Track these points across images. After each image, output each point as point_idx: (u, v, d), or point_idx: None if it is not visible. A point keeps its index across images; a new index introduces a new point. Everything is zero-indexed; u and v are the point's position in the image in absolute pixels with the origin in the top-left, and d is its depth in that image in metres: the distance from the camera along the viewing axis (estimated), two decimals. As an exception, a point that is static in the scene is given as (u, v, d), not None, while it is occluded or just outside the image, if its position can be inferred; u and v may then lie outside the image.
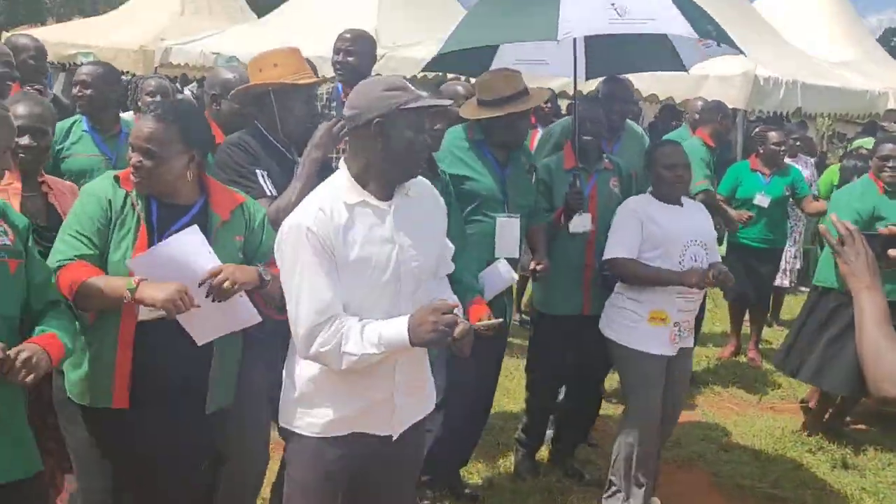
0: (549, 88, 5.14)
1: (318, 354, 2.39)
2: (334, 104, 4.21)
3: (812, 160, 8.06)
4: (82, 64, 4.40)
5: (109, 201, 2.65)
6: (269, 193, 3.13)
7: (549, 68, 4.66)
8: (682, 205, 4.07)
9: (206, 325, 2.67)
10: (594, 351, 4.24)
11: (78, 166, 4.00)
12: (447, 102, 2.91)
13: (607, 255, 4.02)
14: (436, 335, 2.30)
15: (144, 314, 2.59)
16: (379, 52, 10.27)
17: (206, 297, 2.57)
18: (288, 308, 2.42)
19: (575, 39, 4.41)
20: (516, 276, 3.92)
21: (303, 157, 3.17)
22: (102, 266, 2.63)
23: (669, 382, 4.04)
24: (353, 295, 2.39)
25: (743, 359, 6.84)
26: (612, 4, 3.83)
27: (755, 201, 6.29)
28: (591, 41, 4.76)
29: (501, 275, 3.77)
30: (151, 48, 12.47)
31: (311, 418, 2.50)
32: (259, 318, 2.76)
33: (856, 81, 10.45)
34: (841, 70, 10.81)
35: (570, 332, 4.30)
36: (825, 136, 15.96)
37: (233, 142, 3.24)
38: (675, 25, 3.88)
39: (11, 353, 2.23)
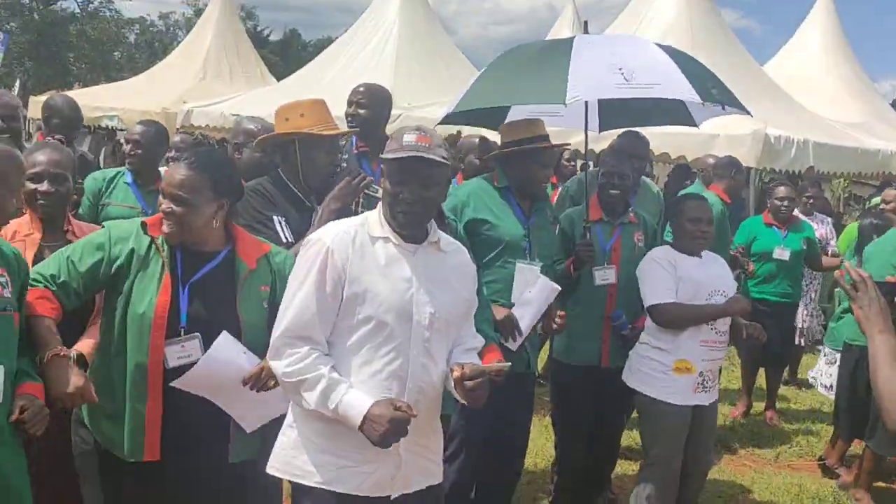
0: (568, 143, 5.21)
1: (281, 372, 2.41)
2: (346, 156, 4.25)
3: (829, 219, 8.09)
4: (108, 127, 4.57)
5: (115, 244, 2.66)
6: (285, 240, 3.17)
7: (563, 120, 4.75)
8: (701, 256, 4.13)
9: (254, 413, 2.72)
10: (612, 404, 4.28)
11: (116, 215, 4.12)
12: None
13: (649, 303, 4.04)
14: (381, 440, 2.28)
15: (173, 360, 2.62)
16: (395, 112, 10.51)
17: (252, 390, 2.63)
18: (280, 308, 2.46)
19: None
20: (558, 287, 3.98)
21: (322, 207, 3.25)
22: (74, 305, 2.66)
23: (694, 434, 4.03)
24: (360, 329, 2.39)
25: (759, 416, 6.76)
26: (620, 70, 3.92)
27: (775, 255, 6.32)
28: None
29: (545, 287, 3.86)
30: (173, 111, 12.78)
31: (310, 467, 2.46)
32: (285, 410, 2.71)
33: (867, 141, 10.53)
34: (852, 130, 10.90)
35: (588, 382, 4.31)
36: (841, 197, 15.99)
37: (252, 188, 3.30)
38: (680, 90, 3.97)
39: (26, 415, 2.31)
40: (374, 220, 2.48)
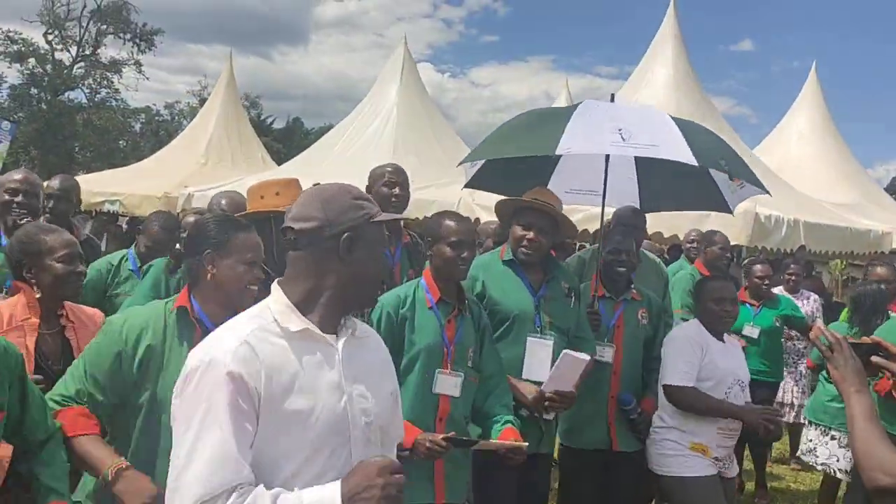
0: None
1: None
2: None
3: (815, 296, 8.14)
4: (110, 212, 4.56)
5: (143, 342, 2.54)
6: None
7: (598, 198, 4.68)
8: (724, 341, 4.12)
9: None
10: (625, 491, 4.11)
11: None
12: (400, 216, 3.42)
13: (668, 381, 3.97)
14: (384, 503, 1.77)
15: None
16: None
17: None
18: (171, 468, 1.77)
19: (607, 170, 4.49)
20: (586, 357, 3.78)
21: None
22: (108, 414, 2.55)
23: None
24: (283, 459, 1.79)
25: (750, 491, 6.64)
26: (619, 130, 3.94)
27: (744, 332, 6.28)
28: (643, 177, 4.96)
29: (568, 359, 3.69)
30: (175, 195, 12.99)
31: None
32: None
33: (858, 221, 10.68)
34: (843, 211, 11.07)
35: (597, 468, 4.13)
36: (839, 280, 16.04)
37: None
38: (678, 153, 3.93)
39: None
40: (280, 314, 1.89)
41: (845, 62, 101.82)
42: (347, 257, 1.91)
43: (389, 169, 4.27)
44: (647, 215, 4.97)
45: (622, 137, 3.92)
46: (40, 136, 36.72)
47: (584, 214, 8.35)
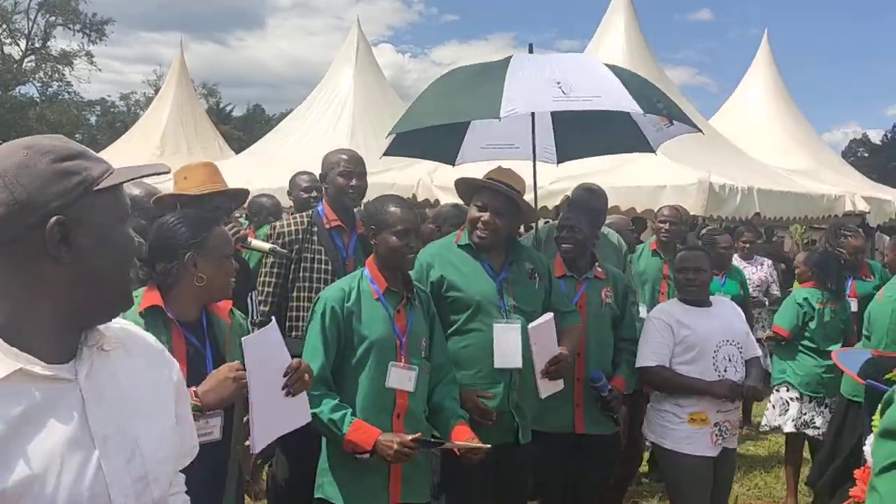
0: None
1: None
2: (315, 228, 3.92)
3: (767, 261, 8.25)
4: None
5: None
6: None
7: (519, 151, 4.65)
8: (709, 305, 4.14)
9: (272, 423, 2.67)
10: (590, 474, 4.09)
11: None
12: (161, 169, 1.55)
13: (639, 364, 4.05)
14: None
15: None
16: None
17: (282, 390, 2.63)
18: None
19: (533, 121, 4.47)
20: (549, 315, 3.69)
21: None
22: None
23: (716, 483, 4.02)
24: None
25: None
26: (558, 83, 3.85)
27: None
28: (558, 124, 4.85)
29: (538, 329, 3.59)
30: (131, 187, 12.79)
31: None
32: (309, 419, 2.83)
33: (813, 187, 10.81)
34: (797, 177, 11.20)
35: (563, 451, 4.01)
36: (800, 245, 16.27)
37: None
38: (621, 102, 3.87)
39: None
40: None
41: (799, 28, 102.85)
42: (65, 254, 1.31)
43: (345, 157, 3.96)
44: (605, 189, 4.94)
45: (563, 91, 3.83)
46: (-7, 133, 35.95)
47: (542, 191, 8.36)
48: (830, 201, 10.49)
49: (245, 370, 2.51)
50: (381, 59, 14.02)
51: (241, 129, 43.18)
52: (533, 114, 4.44)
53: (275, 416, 2.66)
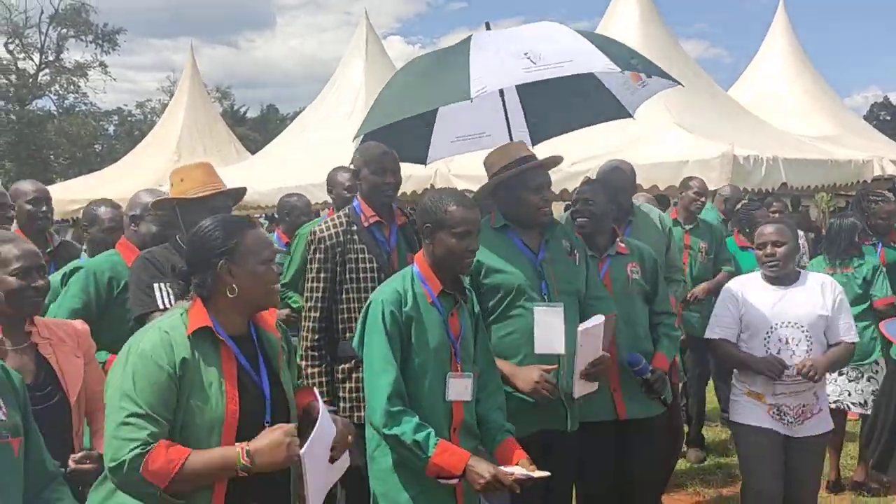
0: (559, 158, 4.00)
1: None
2: (355, 227, 3.82)
3: (801, 233, 8.08)
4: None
5: (177, 357, 2.30)
6: (163, 306, 3.19)
7: (492, 139, 4.41)
8: (793, 282, 3.97)
9: (322, 483, 2.54)
10: (642, 460, 3.83)
11: None
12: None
13: (706, 336, 4.07)
14: None
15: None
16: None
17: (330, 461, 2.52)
18: None
19: (504, 104, 4.29)
20: (599, 319, 3.50)
21: None
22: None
23: (792, 467, 3.90)
24: None
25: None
26: (525, 54, 3.64)
27: None
28: (528, 104, 4.63)
29: (587, 332, 3.42)
30: (150, 195, 12.79)
31: None
32: (346, 465, 2.66)
33: (839, 153, 10.58)
34: (822, 144, 10.97)
35: (608, 441, 3.78)
36: (826, 213, 16.02)
37: (140, 256, 3.46)
38: (594, 62, 3.68)
39: None
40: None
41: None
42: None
43: (378, 152, 3.82)
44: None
45: (531, 61, 3.62)
46: (13, 149, 36.25)
47: (561, 175, 8.23)
48: (858, 167, 10.27)
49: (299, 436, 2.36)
50: (392, 51, 13.90)
51: (257, 130, 43.27)
52: (502, 94, 4.25)
53: (324, 477, 2.54)
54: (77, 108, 41.12)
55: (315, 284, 3.79)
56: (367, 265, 3.77)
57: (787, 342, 3.84)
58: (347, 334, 3.69)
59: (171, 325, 2.37)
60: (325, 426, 2.49)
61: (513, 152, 3.64)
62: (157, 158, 14.98)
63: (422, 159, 4.77)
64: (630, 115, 4.52)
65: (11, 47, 38.32)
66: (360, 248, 3.78)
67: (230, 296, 2.39)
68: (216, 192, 3.44)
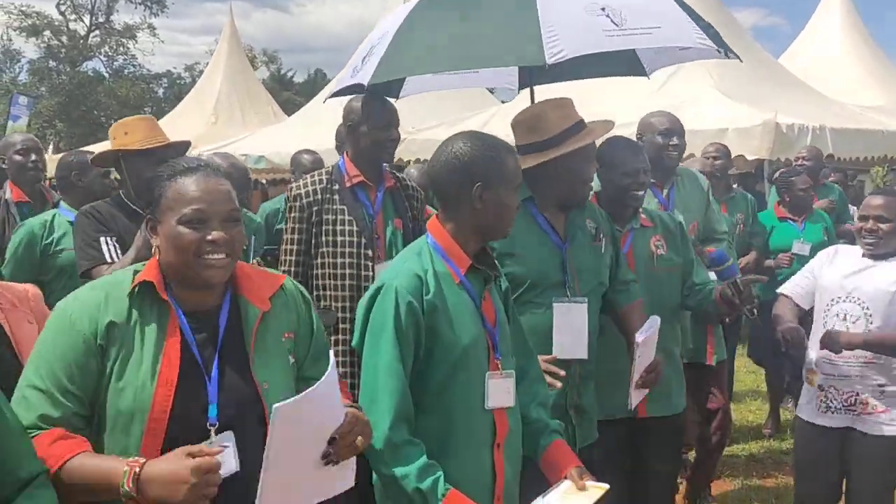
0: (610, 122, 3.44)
1: None
2: (336, 186, 3.58)
3: (855, 209, 7.73)
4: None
5: (103, 320, 1.85)
6: (110, 259, 3.18)
7: (477, 77, 4.04)
8: (884, 258, 3.52)
9: (301, 495, 1.89)
10: (656, 464, 3.48)
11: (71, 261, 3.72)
12: None
13: (779, 289, 3.79)
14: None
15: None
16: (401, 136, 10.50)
17: (322, 458, 1.87)
18: None
19: None
20: (655, 322, 3.09)
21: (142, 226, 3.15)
22: (89, 421, 1.85)
23: (850, 467, 3.51)
24: None
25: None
26: (603, 10, 3.17)
27: (794, 250, 5.93)
28: None
29: (646, 342, 3.00)
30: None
31: None
32: (352, 483, 1.98)
33: (890, 123, 10.10)
34: (874, 114, 10.49)
35: (623, 441, 3.37)
36: (882, 185, 15.48)
37: (84, 211, 3.41)
38: (685, 34, 3.22)
39: None
40: None
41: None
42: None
43: (380, 106, 3.55)
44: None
45: (613, 22, 3.14)
46: (64, 109, 36.81)
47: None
48: (912, 139, 9.79)
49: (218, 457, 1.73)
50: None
51: (304, 94, 43.23)
52: None
53: (300, 487, 1.88)
54: (126, 71, 41.58)
55: (290, 246, 3.58)
56: (347, 228, 3.53)
57: (844, 318, 3.46)
58: (322, 303, 3.50)
59: (112, 281, 1.95)
60: (323, 399, 1.82)
61: (569, 113, 3.05)
62: (195, 120, 15.02)
63: (393, 93, 4.06)
64: (646, 75, 3.96)
65: (63, 8, 38.86)
66: (340, 210, 3.55)
67: (154, 257, 1.96)
68: (160, 144, 3.46)
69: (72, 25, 39.47)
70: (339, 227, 3.54)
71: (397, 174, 3.78)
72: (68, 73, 38.61)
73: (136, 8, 39.90)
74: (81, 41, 39.47)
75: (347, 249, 3.48)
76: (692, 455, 4.94)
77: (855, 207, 7.85)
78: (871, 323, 3.43)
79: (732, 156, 6.36)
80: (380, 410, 2.16)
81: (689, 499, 4.75)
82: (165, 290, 1.91)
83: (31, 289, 2.69)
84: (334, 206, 3.56)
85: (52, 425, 1.79)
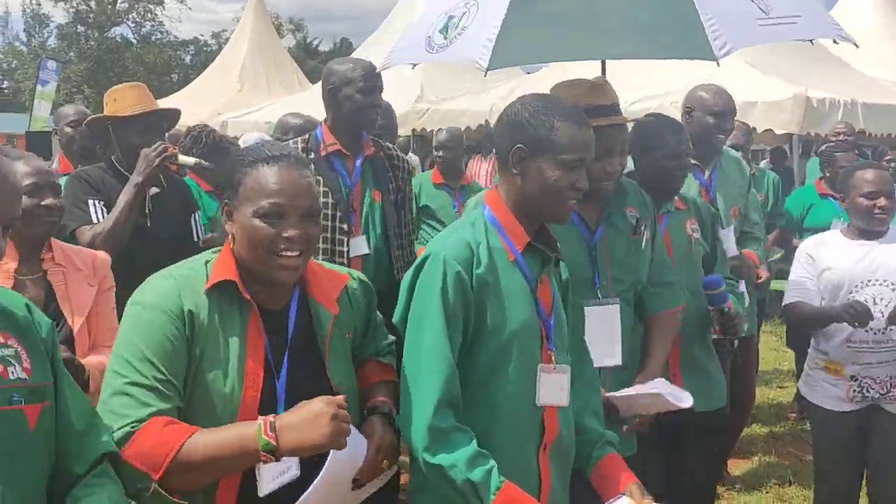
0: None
1: None
2: (312, 155, 3.36)
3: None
4: None
5: (189, 311, 1.80)
6: (95, 221, 3.23)
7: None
8: (879, 238, 3.45)
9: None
10: (693, 465, 3.20)
11: None
12: None
13: (783, 303, 3.59)
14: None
15: (269, 483, 1.75)
16: (423, 106, 10.43)
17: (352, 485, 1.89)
18: None
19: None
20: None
21: (127, 184, 3.23)
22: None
23: (875, 454, 3.43)
24: None
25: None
26: None
27: (833, 228, 5.77)
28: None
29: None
30: (211, 124, 12.86)
31: None
32: (386, 480, 1.99)
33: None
34: (908, 89, 10.27)
35: (653, 435, 2.92)
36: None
37: (75, 174, 3.49)
38: (823, 25, 3.11)
39: None
40: None
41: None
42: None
43: (362, 70, 3.37)
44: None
45: (762, 10, 2.98)
46: (92, 75, 37.05)
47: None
48: (948, 116, 9.57)
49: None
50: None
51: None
52: None
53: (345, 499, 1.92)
54: (153, 37, 41.67)
55: None
56: (321, 199, 3.18)
57: (874, 302, 3.31)
58: None
59: (184, 274, 1.87)
60: (346, 452, 1.80)
61: (606, 92, 2.72)
62: (220, 87, 15.03)
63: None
64: (715, 59, 3.29)
65: (91, -27, 38.98)
66: (316, 179, 3.15)
67: (230, 246, 1.90)
68: (149, 110, 3.50)
69: (100, -10, 39.63)
70: None
71: (381, 142, 3.57)
72: (96, 38, 38.81)
73: (163, -27, 40.03)
74: (109, 6, 39.59)
75: (322, 221, 3.29)
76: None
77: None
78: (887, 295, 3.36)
79: (760, 130, 6.24)
80: (423, 395, 1.94)
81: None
82: (246, 290, 1.85)
83: (100, 255, 2.85)
84: None
85: (155, 415, 1.73)
